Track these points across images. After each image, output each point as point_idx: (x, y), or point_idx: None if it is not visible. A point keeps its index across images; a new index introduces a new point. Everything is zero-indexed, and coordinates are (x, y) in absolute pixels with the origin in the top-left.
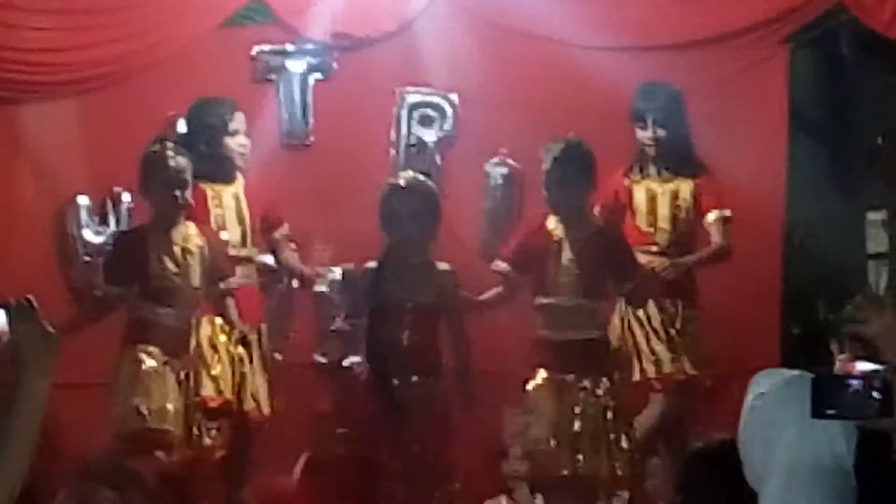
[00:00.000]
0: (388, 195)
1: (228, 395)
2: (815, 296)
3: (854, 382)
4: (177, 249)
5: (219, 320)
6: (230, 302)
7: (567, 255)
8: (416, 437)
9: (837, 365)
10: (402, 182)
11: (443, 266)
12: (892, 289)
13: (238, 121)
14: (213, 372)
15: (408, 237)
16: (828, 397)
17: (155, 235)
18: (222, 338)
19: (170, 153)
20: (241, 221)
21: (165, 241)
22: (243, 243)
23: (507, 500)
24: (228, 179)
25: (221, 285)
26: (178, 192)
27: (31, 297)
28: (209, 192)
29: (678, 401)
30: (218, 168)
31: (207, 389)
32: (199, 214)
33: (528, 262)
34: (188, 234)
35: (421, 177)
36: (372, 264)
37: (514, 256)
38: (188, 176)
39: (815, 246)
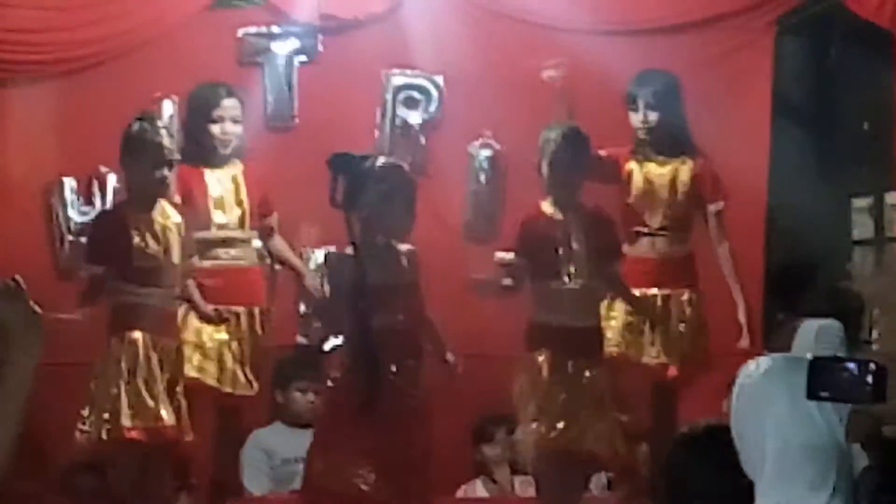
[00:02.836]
0: (378, 176)
1: (211, 378)
2: (798, 282)
3: (850, 366)
4: (157, 227)
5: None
6: (191, 283)
7: (566, 237)
8: (400, 423)
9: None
10: (390, 163)
11: (405, 247)
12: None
13: (225, 107)
14: (197, 353)
15: (400, 220)
16: (823, 380)
17: (135, 213)
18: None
19: (155, 130)
20: (239, 204)
21: (146, 219)
22: (241, 225)
23: (485, 482)
24: (220, 163)
25: (191, 263)
26: (163, 170)
27: (17, 277)
28: (206, 174)
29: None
30: (208, 152)
31: (191, 371)
32: (197, 196)
33: (531, 247)
34: (165, 211)
35: (400, 161)
36: (345, 249)
37: (518, 244)
38: (171, 154)
39: (799, 232)
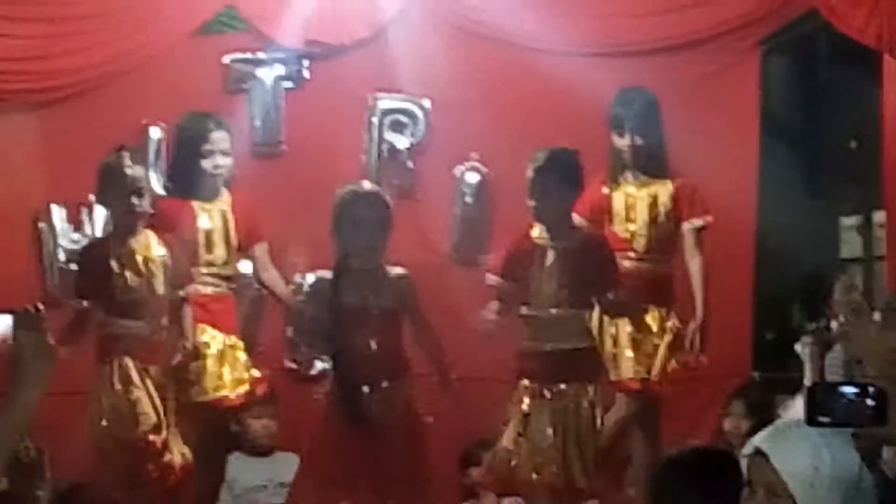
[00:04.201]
0: (348, 203)
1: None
2: (788, 301)
3: (848, 391)
4: (138, 259)
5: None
6: (187, 311)
7: (551, 263)
8: (384, 444)
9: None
10: (362, 190)
11: (397, 271)
12: (868, 294)
13: (215, 140)
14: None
15: (368, 246)
16: (823, 405)
17: (115, 246)
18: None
19: (126, 162)
20: (226, 239)
21: (126, 251)
22: (226, 262)
23: None
24: (211, 197)
25: (180, 293)
26: (134, 200)
27: (39, 305)
28: (196, 209)
29: (646, 403)
30: (198, 186)
31: (206, 394)
32: (186, 230)
33: (515, 271)
34: (149, 243)
35: (375, 186)
36: (327, 274)
37: (504, 267)
38: (144, 184)
39: (787, 251)
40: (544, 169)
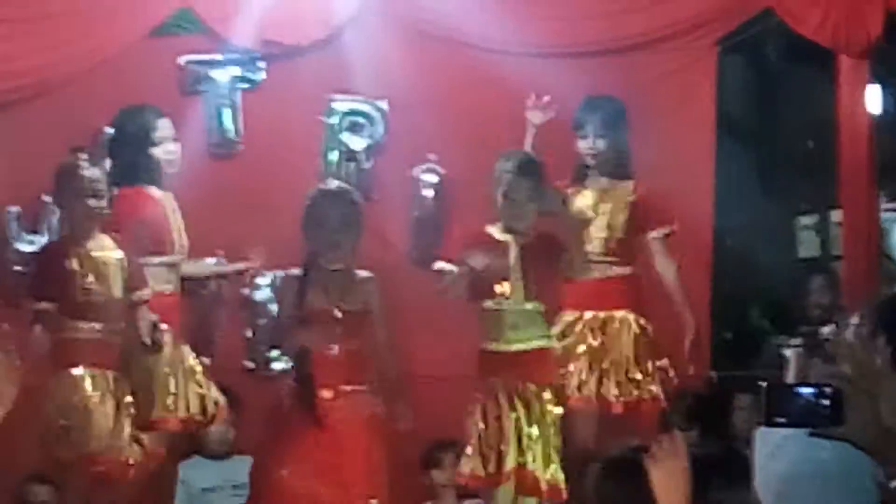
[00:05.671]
0: (315, 201)
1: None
2: (745, 301)
3: (804, 392)
4: (96, 261)
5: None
6: (143, 313)
7: (515, 258)
8: (343, 447)
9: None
10: (329, 189)
11: (364, 273)
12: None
13: (163, 128)
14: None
15: (334, 244)
16: (779, 406)
17: (73, 247)
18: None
19: (82, 163)
20: (178, 232)
21: (84, 252)
22: (179, 253)
23: None
24: (164, 187)
25: (134, 297)
26: (91, 202)
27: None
28: (161, 197)
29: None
30: (153, 175)
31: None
32: (156, 216)
33: (475, 262)
34: (105, 245)
35: (345, 185)
36: (296, 271)
37: (461, 259)
38: (101, 185)
39: (744, 250)
40: (513, 171)
